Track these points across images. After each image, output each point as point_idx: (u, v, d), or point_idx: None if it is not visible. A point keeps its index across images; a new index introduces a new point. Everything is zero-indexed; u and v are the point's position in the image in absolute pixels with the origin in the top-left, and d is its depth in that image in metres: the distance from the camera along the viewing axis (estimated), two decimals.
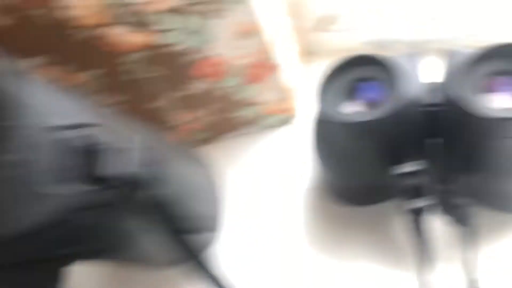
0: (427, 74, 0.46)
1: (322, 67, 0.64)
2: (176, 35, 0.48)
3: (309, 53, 0.66)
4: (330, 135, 0.45)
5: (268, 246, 0.52)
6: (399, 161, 0.43)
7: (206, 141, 0.62)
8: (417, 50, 0.47)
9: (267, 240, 0.52)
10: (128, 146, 0.35)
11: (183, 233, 0.40)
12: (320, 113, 0.45)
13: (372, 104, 0.42)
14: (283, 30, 0.57)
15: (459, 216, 0.42)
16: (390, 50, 0.63)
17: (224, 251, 0.52)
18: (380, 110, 0.40)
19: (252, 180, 0.58)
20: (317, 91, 0.43)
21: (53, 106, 0.32)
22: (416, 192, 0.42)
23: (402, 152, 0.43)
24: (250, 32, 0.49)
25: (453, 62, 0.44)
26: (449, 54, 0.45)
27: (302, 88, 0.63)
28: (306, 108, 0.59)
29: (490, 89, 0.39)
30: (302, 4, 0.61)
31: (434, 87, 0.45)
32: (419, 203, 0.42)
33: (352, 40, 0.63)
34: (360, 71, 0.43)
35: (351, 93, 0.43)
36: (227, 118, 0.59)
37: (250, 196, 0.56)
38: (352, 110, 0.42)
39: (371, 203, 0.50)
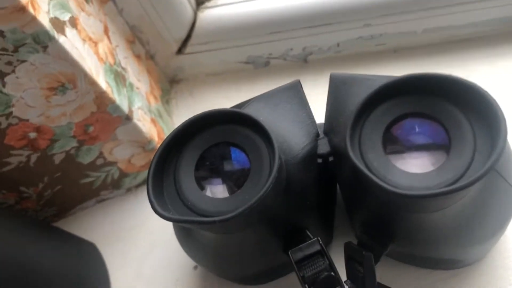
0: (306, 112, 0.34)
1: (196, 98, 0.53)
2: None
3: (173, 81, 0.53)
4: (195, 234, 0.32)
5: None
6: (292, 240, 0.31)
7: (58, 215, 0.48)
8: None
9: None
10: None
11: None
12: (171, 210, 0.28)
13: (239, 177, 0.29)
14: (127, 68, 0.43)
15: None
16: (276, 67, 0.51)
17: None
18: (251, 190, 0.27)
19: (124, 254, 0.45)
20: (152, 175, 0.28)
21: None
22: (315, 281, 0.30)
23: (294, 228, 0.32)
24: (65, 84, 0.35)
25: (338, 93, 0.33)
26: (332, 79, 0.33)
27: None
28: None
29: (394, 140, 0.27)
30: (161, 27, 0.47)
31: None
32: None
33: (229, 59, 0.51)
34: (215, 134, 0.30)
35: (207, 167, 0.30)
36: (79, 185, 0.45)
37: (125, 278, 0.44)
38: (217, 192, 0.29)
39: (268, 281, 0.38)
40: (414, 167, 0.26)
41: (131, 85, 0.43)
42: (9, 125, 0.36)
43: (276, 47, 0.48)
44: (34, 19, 0.30)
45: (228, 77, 0.52)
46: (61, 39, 0.33)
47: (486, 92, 0.24)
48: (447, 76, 0.26)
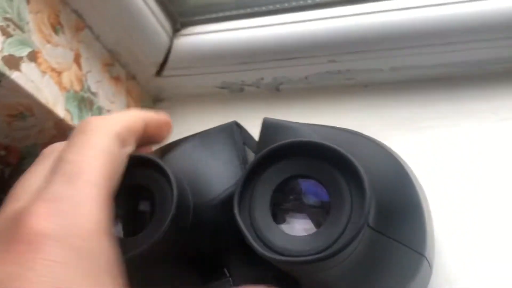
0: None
1: (178, 117, 0.55)
2: None
3: (156, 100, 0.56)
4: None
5: None
6: (211, 276, 0.33)
7: None
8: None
9: None
10: None
11: None
12: None
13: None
14: (98, 92, 0.46)
15: None
16: (250, 93, 0.53)
17: None
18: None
19: None
20: None
21: None
22: None
23: (213, 265, 0.34)
24: (23, 112, 0.39)
25: (266, 138, 0.34)
26: (264, 124, 0.34)
27: None
28: None
29: (279, 201, 0.28)
30: (138, 52, 0.50)
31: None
32: None
33: (205, 84, 0.53)
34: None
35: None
36: None
37: None
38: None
39: None
40: (295, 230, 0.27)
41: (99, 108, 0.46)
42: None
43: (248, 75, 0.50)
44: None
45: (206, 100, 0.54)
46: (14, 74, 0.36)
47: (352, 158, 0.25)
48: (322, 143, 0.27)
